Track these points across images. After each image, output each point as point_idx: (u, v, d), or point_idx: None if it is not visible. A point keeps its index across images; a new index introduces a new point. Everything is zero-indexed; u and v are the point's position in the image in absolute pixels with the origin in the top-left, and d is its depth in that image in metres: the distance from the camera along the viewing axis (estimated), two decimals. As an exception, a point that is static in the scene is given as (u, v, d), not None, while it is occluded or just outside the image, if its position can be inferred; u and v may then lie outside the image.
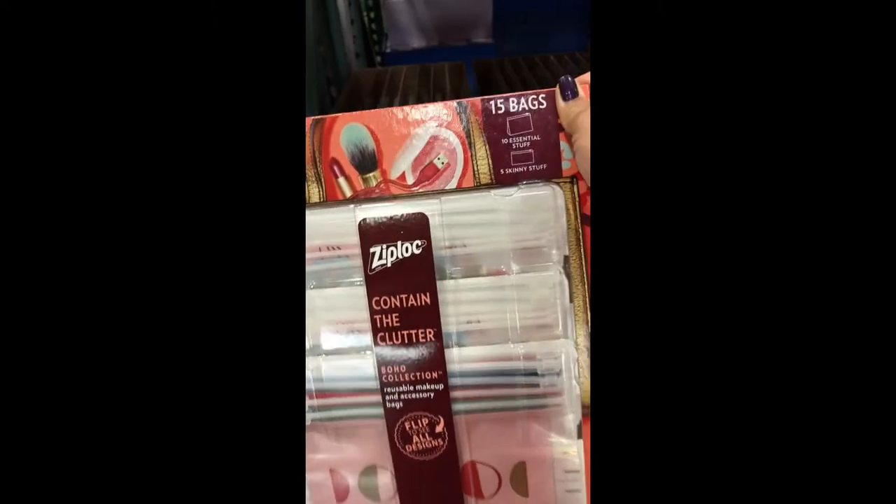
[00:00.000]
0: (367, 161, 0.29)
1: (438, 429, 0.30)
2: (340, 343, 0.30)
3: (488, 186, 0.29)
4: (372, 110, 0.29)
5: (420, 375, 0.29)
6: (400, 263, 0.28)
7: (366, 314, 0.29)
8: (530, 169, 0.28)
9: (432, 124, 0.29)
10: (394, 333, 0.29)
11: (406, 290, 0.28)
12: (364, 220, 0.28)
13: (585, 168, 0.26)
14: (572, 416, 0.29)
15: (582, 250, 0.29)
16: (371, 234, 0.28)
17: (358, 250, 0.29)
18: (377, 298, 0.29)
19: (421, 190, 0.29)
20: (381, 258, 0.28)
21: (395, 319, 0.29)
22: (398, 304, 0.28)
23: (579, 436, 0.30)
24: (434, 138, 0.29)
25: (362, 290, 0.29)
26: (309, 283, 0.30)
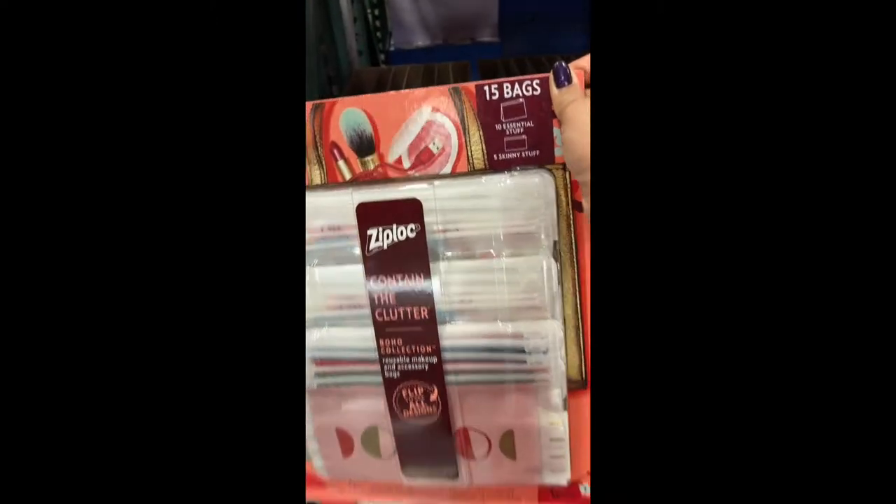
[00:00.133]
0: (364, 145, 0.30)
1: (432, 397, 0.32)
2: (342, 316, 0.32)
3: (482, 172, 0.29)
4: (369, 95, 0.30)
5: (415, 349, 0.31)
6: (395, 246, 0.30)
7: (365, 291, 0.31)
8: (523, 155, 0.29)
9: (427, 109, 0.29)
10: (390, 310, 0.31)
11: (401, 272, 0.30)
12: (361, 203, 0.30)
13: (571, 160, 0.27)
14: (558, 391, 0.31)
15: (573, 235, 0.30)
16: (368, 218, 0.30)
17: (356, 231, 0.30)
18: (374, 278, 0.30)
19: (417, 174, 0.30)
20: (377, 240, 0.30)
21: (391, 298, 0.30)
22: (394, 283, 0.30)
23: (565, 408, 0.32)
24: (430, 123, 0.29)
25: (361, 269, 0.30)
26: (312, 260, 0.32)
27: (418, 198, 0.29)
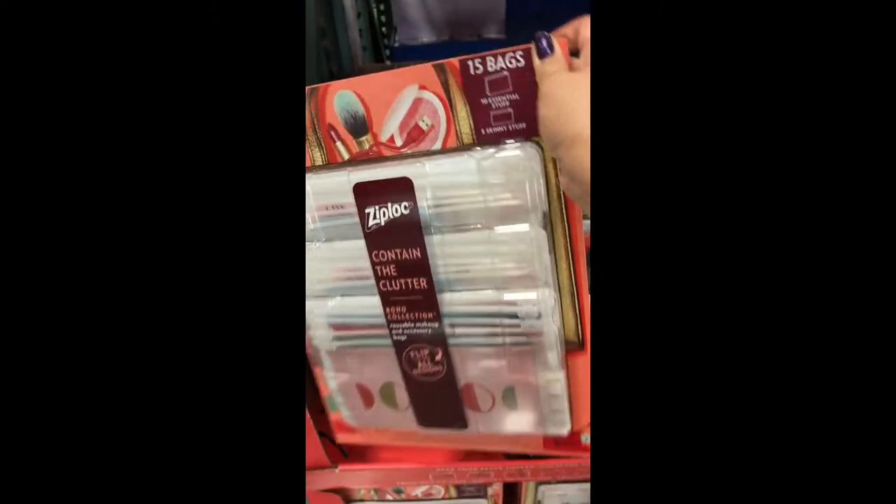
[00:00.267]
0: (358, 125, 0.31)
1: (438, 357, 0.35)
2: (353, 286, 0.35)
3: (470, 147, 0.30)
4: (359, 77, 0.31)
5: (418, 315, 0.33)
6: (392, 222, 0.31)
7: (370, 263, 0.33)
8: (510, 128, 0.29)
9: (414, 87, 0.30)
10: (393, 281, 0.33)
11: (399, 246, 0.32)
12: (358, 183, 0.31)
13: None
14: (554, 353, 0.33)
15: (563, 206, 0.30)
16: (365, 197, 0.31)
17: (355, 208, 0.32)
18: (376, 252, 0.32)
19: (409, 151, 0.31)
20: (375, 218, 0.32)
21: (392, 269, 0.33)
22: (394, 256, 0.32)
23: (562, 368, 0.33)
24: (418, 101, 0.30)
25: (364, 243, 0.33)
26: (321, 236, 0.34)
27: (409, 176, 0.30)
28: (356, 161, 0.32)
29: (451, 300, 0.33)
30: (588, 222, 0.30)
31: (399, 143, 0.31)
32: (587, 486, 0.42)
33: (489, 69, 0.29)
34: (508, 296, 0.32)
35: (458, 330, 0.33)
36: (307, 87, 0.32)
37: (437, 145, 0.30)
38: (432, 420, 0.38)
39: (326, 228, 0.34)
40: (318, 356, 0.38)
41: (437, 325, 0.33)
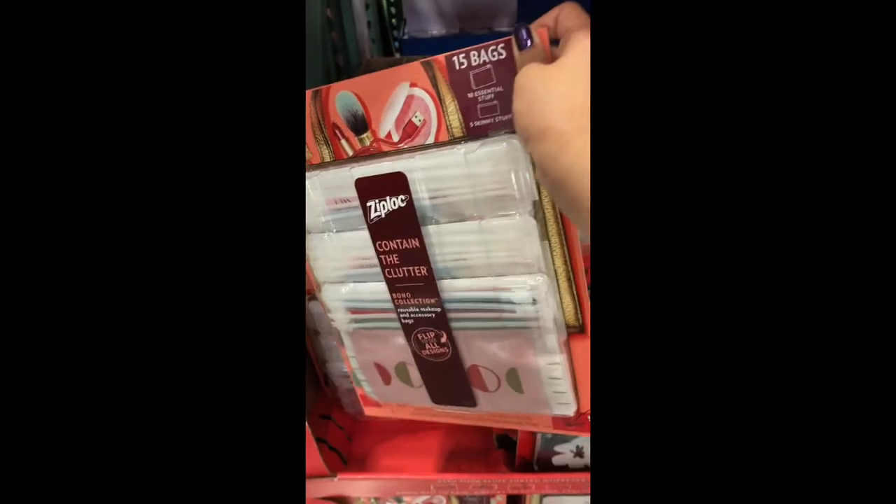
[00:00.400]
0: (359, 124, 0.33)
1: (443, 340, 0.37)
2: (364, 273, 0.37)
3: (460, 140, 0.31)
4: (357, 77, 0.33)
5: (421, 300, 0.35)
6: (391, 214, 0.33)
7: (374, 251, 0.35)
8: (497, 120, 0.30)
9: (406, 85, 0.31)
10: (396, 269, 0.35)
11: (399, 236, 0.34)
12: (358, 179, 0.33)
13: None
14: (552, 336, 0.34)
15: (551, 194, 0.30)
16: (366, 191, 0.33)
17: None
18: (379, 242, 0.35)
19: (405, 146, 0.33)
20: (376, 210, 0.34)
21: (395, 258, 0.35)
22: (396, 246, 0.34)
23: (561, 351, 0.34)
24: (410, 98, 0.31)
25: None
26: (332, 228, 0.37)
27: (405, 170, 0.32)
28: (359, 157, 0.34)
29: (450, 286, 0.34)
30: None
31: (396, 138, 0.33)
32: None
33: (473, 63, 0.29)
34: (503, 282, 0.33)
35: (459, 315, 0.35)
36: (312, 90, 0.34)
37: (431, 139, 0.32)
38: (443, 398, 0.40)
39: (336, 220, 0.36)
40: (340, 337, 0.41)
41: (439, 309, 0.35)
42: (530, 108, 0.25)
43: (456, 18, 0.63)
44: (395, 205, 0.33)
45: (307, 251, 0.39)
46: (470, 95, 0.30)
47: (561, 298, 0.33)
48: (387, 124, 0.33)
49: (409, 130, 0.32)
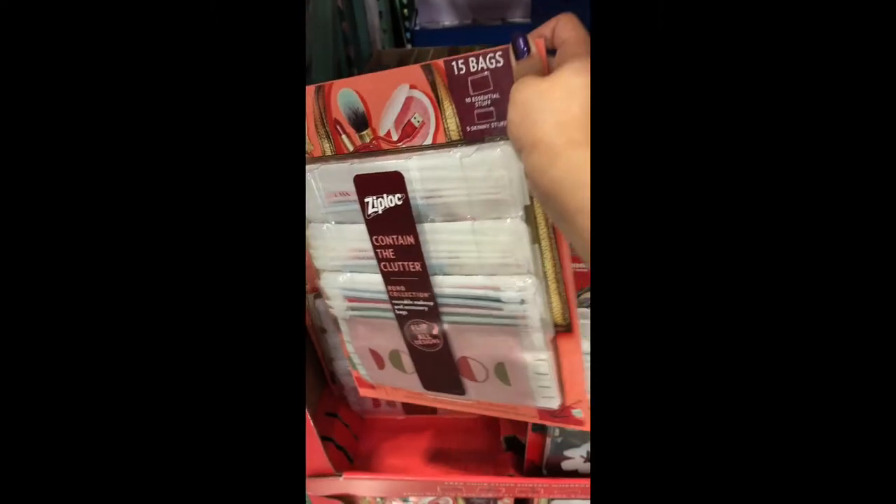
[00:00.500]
0: (360, 121, 0.34)
1: (435, 332, 0.38)
2: (361, 265, 0.38)
3: (457, 143, 0.32)
4: (359, 76, 0.33)
5: (415, 294, 0.37)
6: (388, 211, 0.34)
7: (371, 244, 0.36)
8: (493, 126, 0.30)
9: (406, 87, 0.32)
10: (391, 263, 0.36)
11: (395, 233, 0.35)
12: (357, 175, 0.34)
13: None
14: (539, 335, 0.35)
15: (543, 200, 0.31)
16: (364, 188, 0.34)
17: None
18: (376, 237, 0.36)
19: (404, 145, 0.33)
20: (373, 207, 0.35)
21: (390, 253, 0.36)
22: (391, 242, 0.35)
23: (548, 349, 0.36)
24: (409, 99, 0.32)
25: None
26: (332, 219, 0.38)
27: (399, 171, 0.33)
28: (359, 153, 0.35)
29: (443, 283, 0.36)
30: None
31: (395, 137, 0.33)
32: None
33: (471, 69, 0.30)
34: (493, 282, 0.34)
35: (451, 309, 0.36)
36: (315, 85, 0.35)
37: (429, 140, 0.33)
38: (434, 385, 0.42)
39: (336, 213, 0.37)
40: (338, 323, 0.43)
41: (431, 303, 0.37)
42: (524, 119, 0.25)
43: (468, 9, 0.62)
44: (391, 202, 0.34)
45: (308, 240, 0.40)
46: (467, 100, 0.30)
47: (549, 299, 0.34)
48: (386, 123, 0.33)
49: (408, 130, 0.33)
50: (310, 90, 0.35)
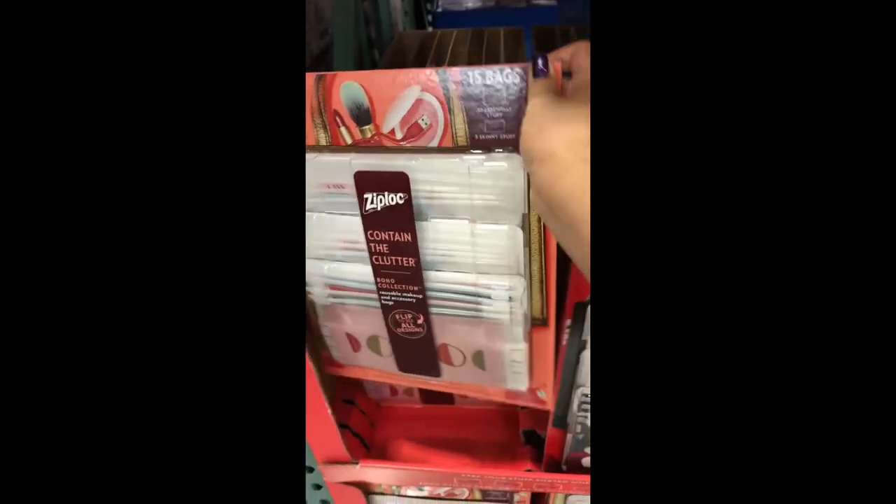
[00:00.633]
0: (363, 115, 0.34)
1: (419, 322, 0.40)
2: (349, 255, 0.39)
3: (464, 149, 0.33)
4: (366, 71, 0.33)
5: (405, 287, 0.38)
6: (387, 209, 0.35)
7: (364, 238, 0.37)
8: (501, 137, 0.32)
9: (417, 89, 0.32)
10: (384, 258, 0.37)
11: (392, 229, 0.36)
12: (359, 171, 0.34)
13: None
14: (520, 328, 0.38)
15: (540, 209, 0.34)
16: (364, 184, 0.35)
17: (355, 191, 0.35)
18: (371, 232, 0.36)
19: (408, 145, 0.34)
20: (372, 203, 0.35)
21: (385, 248, 0.37)
22: (387, 237, 0.36)
23: (525, 340, 0.39)
24: (419, 101, 0.32)
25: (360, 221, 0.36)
26: (322, 209, 0.37)
27: (405, 171, 0.33)
28: (359, 147, 0.35)
29: (435, 277, 0.37)
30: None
31: (399, 136, 0.34)
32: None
33: (487, 82, 0.31)
34: (484, 280, 0.36)
35: (438, 301, 0.38)
36: (315, 74, 0.33)
37: (435, 143, 0.33)
38: (410, 368, 0.44)
39: (326, 203, 0.37)
40: (314, 308, 0.43)
41: (420, 296, 0.38)
42: (539, 131, 0.27)
43: (493, -9, 0.59)
44: (392, 200, 0.34)
45: (290, 226, 0.39)
46: (479, 111, 0.31)
47: (532, 296, 0.37)
48: (391, 121, 0.33)
49: (414, 131, 0.33)
50: (310, 78, 0.33)
